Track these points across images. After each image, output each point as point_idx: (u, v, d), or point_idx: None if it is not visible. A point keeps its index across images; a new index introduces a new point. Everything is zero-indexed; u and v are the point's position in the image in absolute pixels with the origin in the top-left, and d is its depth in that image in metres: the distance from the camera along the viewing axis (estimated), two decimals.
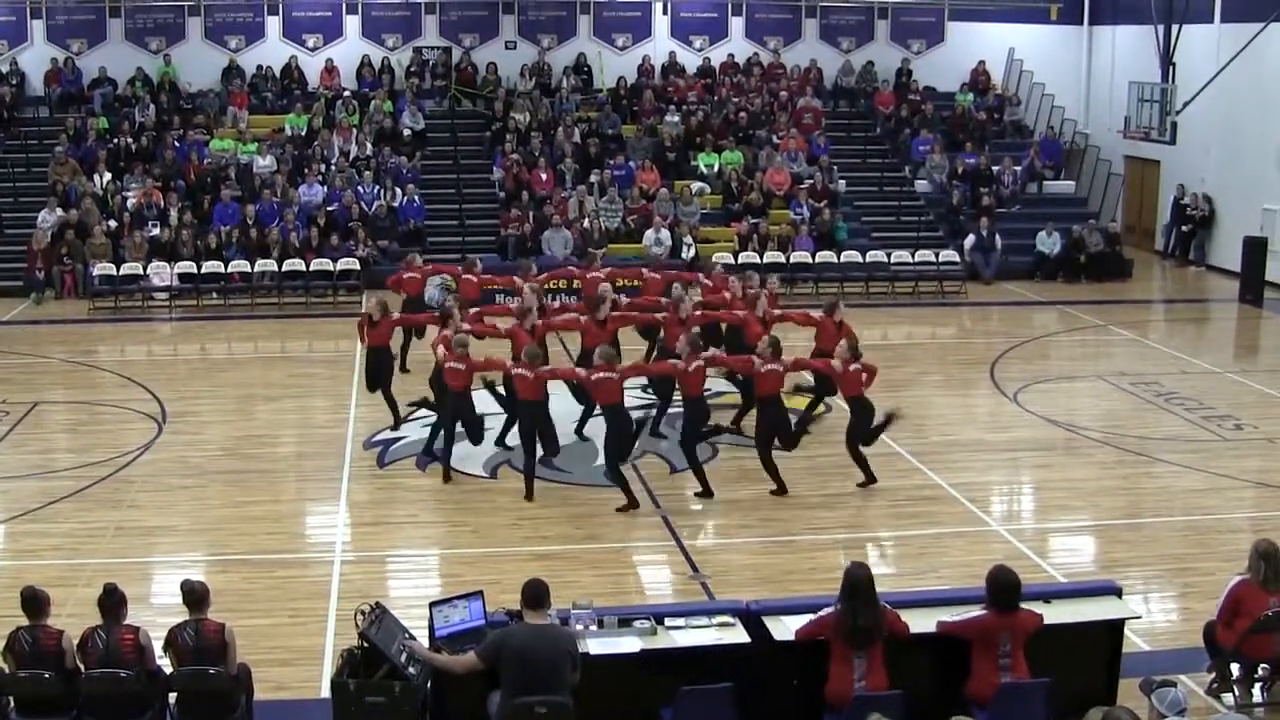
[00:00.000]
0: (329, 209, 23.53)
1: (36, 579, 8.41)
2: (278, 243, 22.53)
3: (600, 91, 27.70)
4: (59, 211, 22.96)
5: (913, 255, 23.70)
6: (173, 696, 7.81)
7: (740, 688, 7.63)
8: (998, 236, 24.39)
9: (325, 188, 24.16)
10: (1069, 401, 16.58)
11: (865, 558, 10.79)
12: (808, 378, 14.46)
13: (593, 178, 24.75)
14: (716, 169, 25.68)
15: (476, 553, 11.43)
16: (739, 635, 8.09)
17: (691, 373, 12.60)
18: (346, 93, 26.72)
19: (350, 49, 27.54)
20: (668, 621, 8.19)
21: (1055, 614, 8.18)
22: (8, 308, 21.53)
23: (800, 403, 14.69)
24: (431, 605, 7.99)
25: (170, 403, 15.86)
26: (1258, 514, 12.45)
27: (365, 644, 7.59)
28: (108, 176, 24.14)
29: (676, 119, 26.55)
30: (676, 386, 13.66)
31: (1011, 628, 7.72)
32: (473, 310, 15.06)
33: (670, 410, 14.24)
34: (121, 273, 22.05)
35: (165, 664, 7.82)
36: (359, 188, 24.24)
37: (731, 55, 28.53)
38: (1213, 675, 8.66)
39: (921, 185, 26.39)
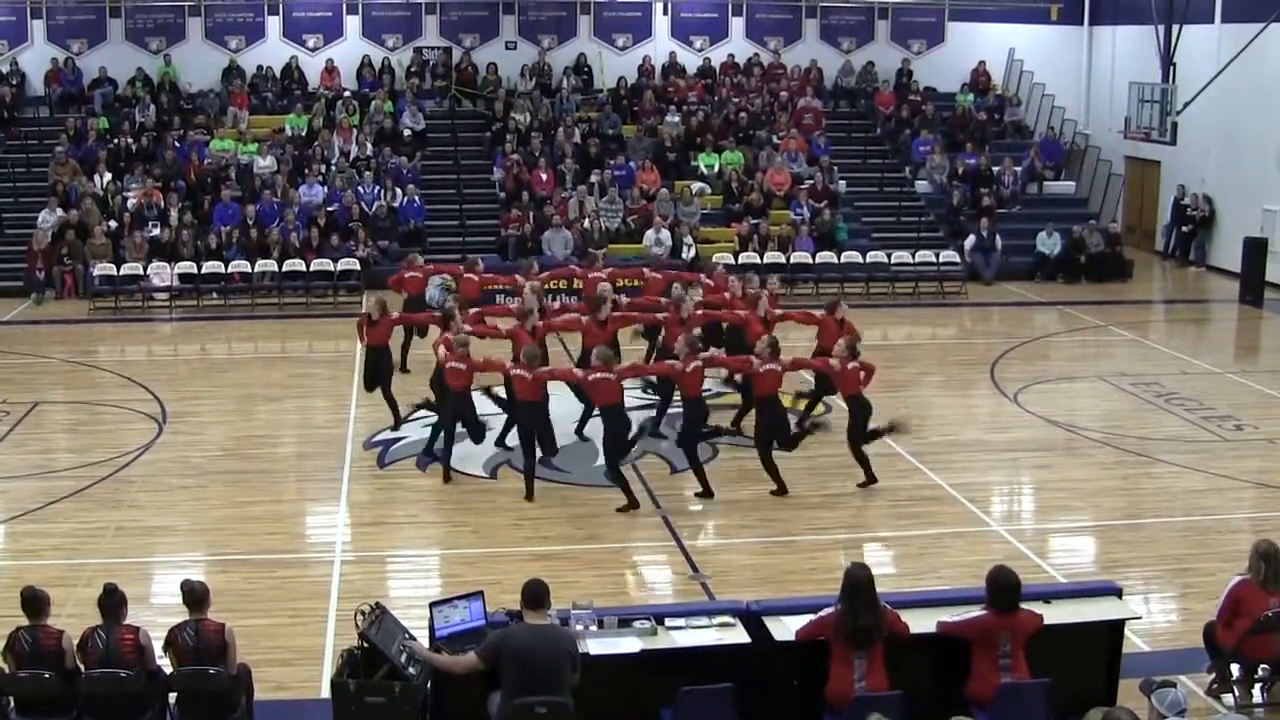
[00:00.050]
0: (329, 209, 23.53)
1: (37, 579, 8.41)
2: (278, 243, 22.53)
3: (600, 92, 27.70)
4: (59, 212, 22.96)
5: (913, 256, 23.70)
6: (173, 696, 7.82)
7: (740, 688, 7.63)
8: (998, 237, 24.40)
9: (325, 188, 24.16)
10: (1069, 402, 16.58)
11: (865, 558, 10.78)
12: (807, 377, 14.46)
13: (593, 178, 24.75)
14: (717, 169, 25.68)
15: (477, 553, 11.43)
16: (739, 635, 8.09)
17: (690, 373, 12.60)
18: (347, 93, 26.72)
19: (350, 49, 27.54)
20: (668, 622, 8.19)
21: (1055, 614, 8.18)
22: (8, 308, 21.54)
23: (800, 405, 14.71)
24: (432, 605, 8.00)
25: (170, 403, 15.86)
26: (1258, 514, 12.45)
27: (365, 644, 7.59)
28: (108, 177, 24.14)
29: (677, 119, 26.56)
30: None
31: (1011, 628, 7.72)
32: (472, 310, 15.07)
33: (670, 410, 14.24)
34: (122, 273, 22.06)
35: (165, 664, 7.82)
36: (359, 188, 24.24)
37: (732, 55, 28.53)
38: (1213, 676, 8.66)
39: (922, 186, 26.39)
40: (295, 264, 22.35)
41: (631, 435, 12.55)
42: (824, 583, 9.95)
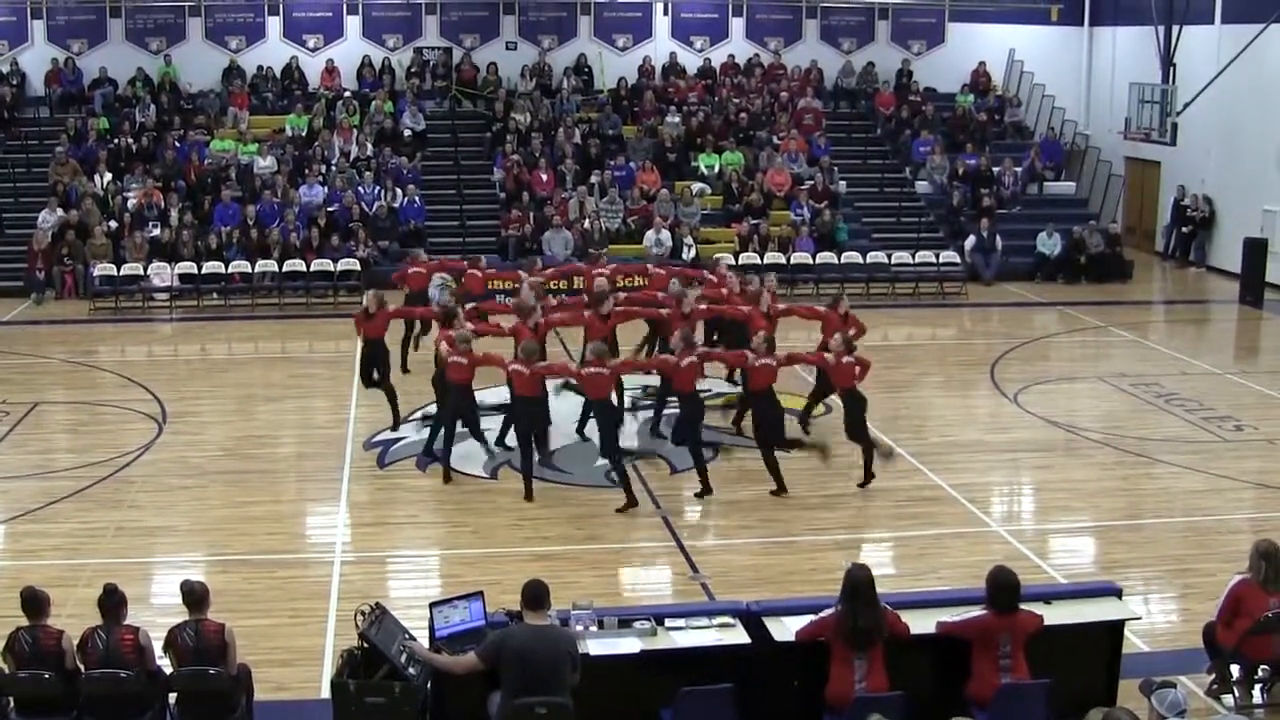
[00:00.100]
0: (329, 209, 23.53)
1: (37, 579, 8.42)
2: (278, 243, 22.53)
3: (601, 92, 27.70)
4: (59, 212, 22.96)
5: (913, 256, 23.70)
6: (173, 697, 7.82)
7: (740, 689, 7.62)
8: (998, 237, 24.40)
9: (326, 188, 24.16)
10: (1069, 402, 16.58)
11: (865, 558, 10.77)
12: (808, 378, 14.47)
13: (593, 178, 24.75)
14: (717, 170, 25.68)
15: (477, 553, 11.43)
16: (739, 636, 8.09)
17: (684, 368, 12.61)
18: (347, 93, 26.72)
19: (351, 49, 27.54)
20: (668, 622, 8.20)
21: (1055, 615, 8.18)
22: (8, 308, 21.53)
23: (798, 402, 14.71)
24: (432, 606, 8.00)
25: (170, 403, 15.86)
26: (1258, 515, 12.45)
27: (365, 644, 7.59)
28: (108, 177, 24.14)
29: (677, 120, 26.55)
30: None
31: (1011, 628, 7.72)
32: (470, 306, 15.08)
33: (667, 411, 14.24)
34: (122, 273, 22.06)
35: (165, 664, 7.82)
36: (359, 188, 24.24)
37: (732, 56, 28.53)
38: (1212, 676, 8.66)
39: (922, 186, 26.39)
40: (295, 264, 22.35)
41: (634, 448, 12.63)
42: (824, 583, 9.94)
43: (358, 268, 22.39)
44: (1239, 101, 23.69)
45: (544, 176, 24.73)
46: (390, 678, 7.47)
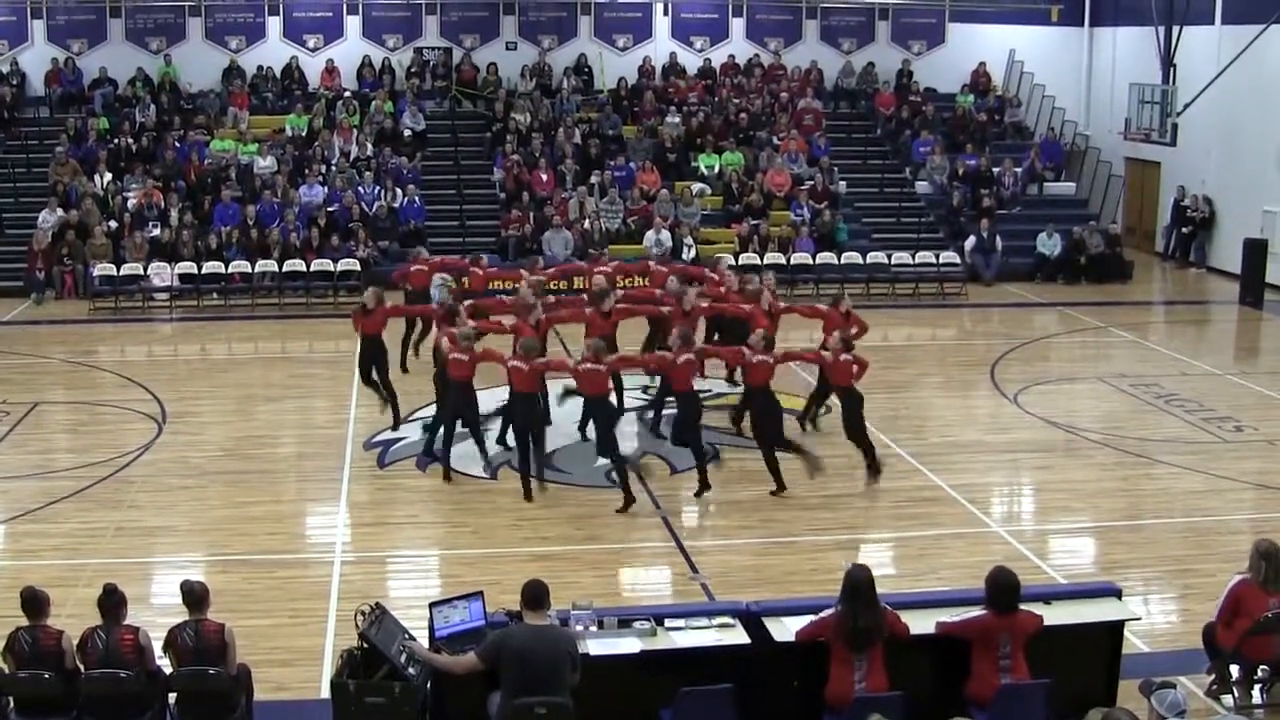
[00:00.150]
0: (329, 209, 23.53)
1: (37, 579, 8.41)
2: (278, 243, 22.53)
3: (601, 92, 27.70)
4: (59, 212, 22.96)
5: (913, 257, 23.70)
6: (172, 697, 7.81)
7: (740, 689, 7.62)
8: (998, 238, 24.40)
9: (326, 188, 24.16)
10: (1069, 403, 16.58)
11: (865, 559, 10.77)
12: (810, 378, 14.47)
13: (593, 179, 24.75)
14: (717, 170, 25.68)
15: (476, 553, 11.43)
16: (739, 636, 8.09)
17: (681, 365, 12.61)
18: (347, 93, 26.72)
19: (351, 49, 27.53)
20: (667, 622, 8.19)
21: (1055, 615, 8.18)
22: (8, 308, 21.53)
23: (797, 403, 14.72)
24: (431, 606, 8.00)
25: (170, 403, 15.86)
26: (1258, 516, 12.44)
27: (365, 644, 7.59)
28: (108, 177, 24.14)
29: (677, 120, 26.55)
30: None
31: (1011, 628, 7.72)
32: (467, 303, 15.09)
33: (667, 411, 14.24)
34: (122, 273, 22.06)
35: (165, 664, 7.82)
36: (359, 188, 24.24)
37: (732, 56, 28.53)
38: (1212, 677, 8.66)
39: (922, 187, 26.39)
40: (295, 264, 22.36)
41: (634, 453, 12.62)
42: (824, 584, 9.94)
43: (358, 268, 22.38)
44: (1239, 102, 23.70)
45: (544, 176, 24.73)
46: (390, 678, 7.47)
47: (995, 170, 26.27)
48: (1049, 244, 24.60)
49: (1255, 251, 22.62)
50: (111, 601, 7.75)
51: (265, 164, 24.63)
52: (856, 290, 22.41)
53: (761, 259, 22.78)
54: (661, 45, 28.55)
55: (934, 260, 23.65)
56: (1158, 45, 24.76)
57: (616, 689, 7.83)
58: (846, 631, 7.58)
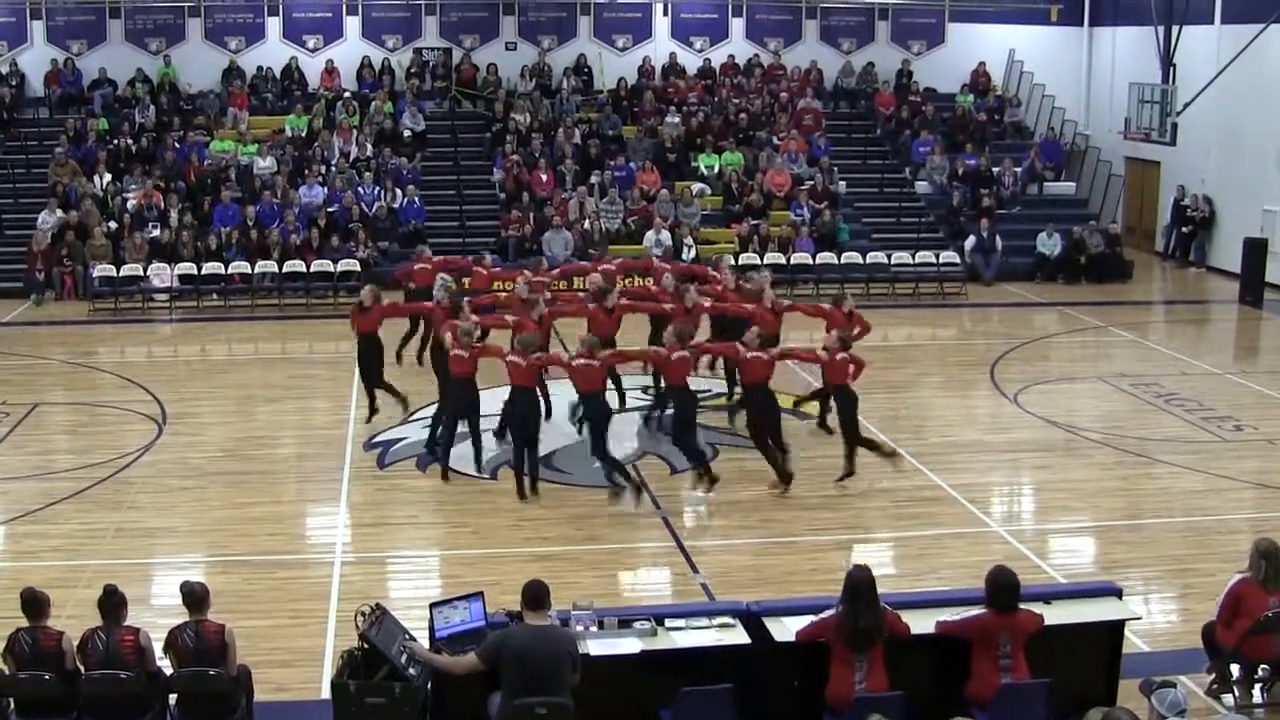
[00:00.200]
0: (329, 210, 23.53)
1: (37, 580, 8.42)
2: (278, 244, 22.53)
3: (601, 92, 27.71)
4: (59, 213, 22.96)
5: (913, 256, 23.71)
6: (173, 698, 7.82)
7: (740, 689, 7.63)
8: (998, 238, 24.40)
9: (325, 189, 24.16)
10: (1069, 403, 16.58)
11: (866, 559, 10.74)
12: (811, 379, 14.47)
13: (593, 179, 24.75)
14: (717, 170, 25.68)
15: (477, 554, 11.43)
16: (739, 636, 8.09)
17: (675, 361, 12.60)
18: (347, 94, 26.72)
19: (350, 50, 27.54)
20: (668, 622, 8.20)
21: (1055, 615, 8.18)
22: (8, 309, 21.53)
23: (812, 408, 14.70)
24: (432, 606, 8.00)
25: (170, 404, 15.86)
26: (1257, 515, 12.44)
27: (365, 645, 7.59)
28: (108, 178, 24.14)
29: (677, 120, 26.55)
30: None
31: (1011, 628, 7.72)
32: (466, 300, 15.09)
33: (668, 411, 14.23)
34: (121, 274, 22.05)
35: (165, 665, 7.82)
36: (359, 189, 24.24)
37: (732, 56, 28.53)
38: (1212, 676, 8.66)
39: (922, 186, 26.39)
40: (295, 265, 22.36)
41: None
42: (824, 584, 9.94)
43: (358, 268, 22.37)
44: (1239, 101, 23.69)
45: (544, 177, 24.74)
46: (390, 678, 7.47)
47: (995, 170, 26.27)
48: (1049, 244, 24.60)
49: (1255, 251, 22.62)
50: (112, 602, 7.75)
51: (265, 164, 24.63)
52: (856, 290, 22.38)
53: (761, 259, 22.76)
54: (661, 45, 28.55)
55: (934, 260, 23.65)
56: (1157, 45, 24.76)
57: (617, 689, 7.83)
58: (847, 632, 7.58)
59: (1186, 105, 24.04)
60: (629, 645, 7.99)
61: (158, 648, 7.80)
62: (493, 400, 13.57)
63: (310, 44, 27.58)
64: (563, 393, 14.12)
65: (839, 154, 26.54)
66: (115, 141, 24.90)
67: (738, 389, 14.40)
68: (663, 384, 14.31)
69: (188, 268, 22.17)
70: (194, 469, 13.56)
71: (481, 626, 7.89)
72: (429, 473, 13.38)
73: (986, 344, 19.79)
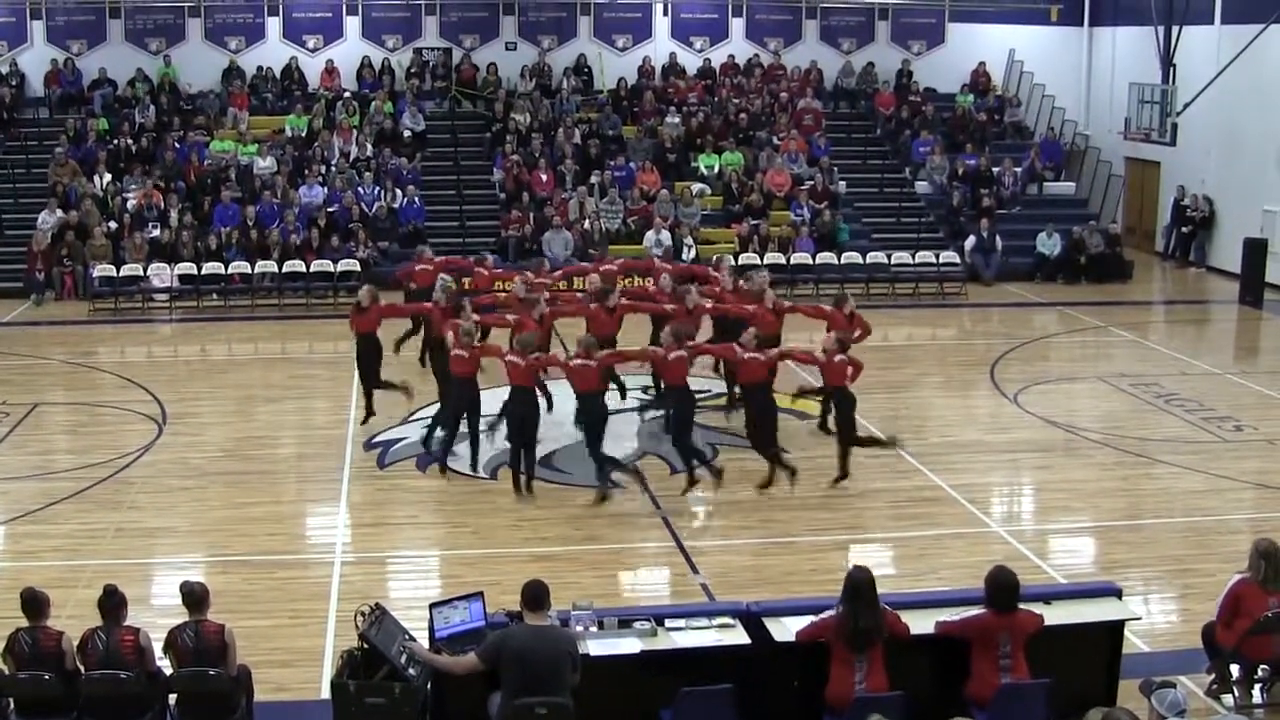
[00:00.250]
0: (329, 210, 23.53)
1: (37, 580, 8.42)
2: (278, 244, 22.53)
3: (601, 92, 27.71)
4: (59, 213, 22.96)
5: (913, 256, 23.70)
6: (173, 698, 7.82)
7: (740, 689, 7.63)
8: (998, 238, 24.40)
9: (325, 189, 24.16)
10: (1069, 403, 16.58)
11: (865, 559, 10.74)
12: (811, 380, 14.46)
13: (593, 179, 24.75)
14: (717, 170, 25.68)
15: (476, 554, 11.43)
16: (739, 636, 8.09)
17: (672, 361, 12.61)
18: (347, 94, 26.71)
19: (350, 50, 27.53)
20: (668, 623, 8.20)
21: (1055, 615, 8.18)
22: (8, 309, 21.53)
23: (811, 406, 14.69)
24: (431, 606, 8.00)
25: (170, 404, 15.86)
26: (1257, 515, 12.44)
27: (365, 645, 7.59)
28: (108, 178, 24.14)
29: (677, 120, 26.55)
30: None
31: (1011, 628, 7.72)
32: (468, 299, 15.09)
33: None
34: (121, 274, 22.05)
35: (165, 665, 7.82)
36: (359, 189, 24.24)
37: (732, 56, 28.53)
38: (1212, 676, 8.66)
39: (922, 186, 26.39)
40: (295, 265, 22.36)
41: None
42: (824, 584, 9.95)
43: (358, 268, 22.36)
44: (1239, 101, 23.69)
45: (544, 177, 24.74)
46: (390, 678, 7.47)
47: (995, 170, 26.27)
48: (1049, 244, 24.60)
49: (1255, 251, 22.62)
50: (112, 602, 7.75)
51: (265, 164, 24.63)
52: (856, 290, 22.38)
53: (761, 259, 22.75)
54: (661, 45, 28.55)
55: (934, 260, 23.65)
56: (1157, 45, 24.76)
57: (617, 689, 7.83)
58: (847, 632, 7.58)
59: (1186, 105, 24.03)
60: (629, 645, 7.99)
61: (158, 648, 7.80)
62: (493, 400, 13.57)
63: (310, 44, 27.58)
64: (566, 392, 14.10)
65: (839, 154, 26.54)
66: (115, 141, 24.90)
67: (737, 390, 14.40)
68: (662, 384, 14.35)
69: (188, 268, 22.17)
70: (194, 469, 13.56)
71: (481, 626, 7.90)
72: (429, 473, 13.37)
73: (986, 344, 19.79)
